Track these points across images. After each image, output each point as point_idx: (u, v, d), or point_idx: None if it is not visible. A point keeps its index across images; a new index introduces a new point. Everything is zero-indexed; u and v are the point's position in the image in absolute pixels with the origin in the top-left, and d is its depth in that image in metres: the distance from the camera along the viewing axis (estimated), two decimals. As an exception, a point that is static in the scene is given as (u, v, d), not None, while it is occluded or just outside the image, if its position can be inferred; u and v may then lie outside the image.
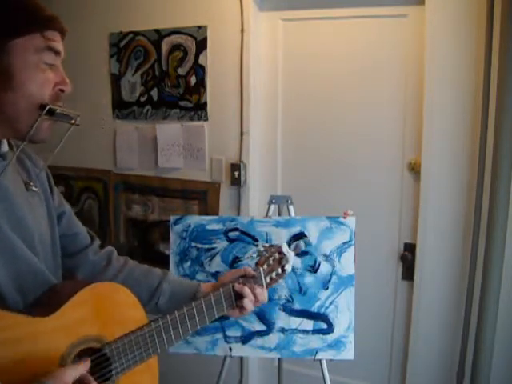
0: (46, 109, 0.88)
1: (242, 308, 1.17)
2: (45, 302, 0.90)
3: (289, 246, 1.33)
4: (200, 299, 1.11)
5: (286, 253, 1.30)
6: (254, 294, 1.18)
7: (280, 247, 1.29)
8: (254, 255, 1.29)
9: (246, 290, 1.17)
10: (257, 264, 1.25)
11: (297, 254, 1.62)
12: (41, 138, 0.91)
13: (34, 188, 0.98)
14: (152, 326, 1.00)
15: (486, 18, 1.76)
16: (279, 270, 1.28)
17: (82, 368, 0.83)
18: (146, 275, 1.21)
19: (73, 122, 0.94)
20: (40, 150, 1.05)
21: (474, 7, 1.80)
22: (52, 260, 1.02)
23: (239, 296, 1.17)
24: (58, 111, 0.90)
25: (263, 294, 1.21)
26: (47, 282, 0.95)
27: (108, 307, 0.96)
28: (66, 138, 0.94)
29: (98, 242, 1.21)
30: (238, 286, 1.17)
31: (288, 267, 1.30)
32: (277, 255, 1.29)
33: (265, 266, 1.25)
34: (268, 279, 1.26)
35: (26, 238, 0.92)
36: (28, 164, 1.02)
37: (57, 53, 0.91)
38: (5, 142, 0.94)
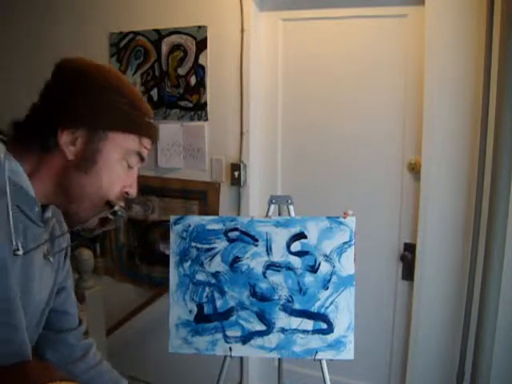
0: (113, 210, 0.91)
1: None
2: (11, 375, 0.82)
3: None
4: None
5: None
6: None
7: None
8: None
9: None
10: None
11: (297, 255, 1.62)
12: (88, 225, 0.92)
13: (50, 259, 0.96)
14: None
15: (485, 18, 1.76)
16: None
17: None
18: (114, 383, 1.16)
19: (118, 221, 0.95)
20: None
21: (474, 7, 1.80)
22: (34, 329, 0.98)
23: None
24: (120, 213, 0.92)
25: None
26: (25, 354, 0.91)
27: None
28: (104, 229, 0.96)
29: (83, 328, 1.15)
30: None
31: None
32: None
33: None
34: None
35: (26, 302, 0.89)
36: (56, 234, 1.00)
37: (142, 159, 0.94)
38: (49, 209, 0.93)
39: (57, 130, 0.84)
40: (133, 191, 0.94)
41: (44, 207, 0.91)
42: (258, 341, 1.62)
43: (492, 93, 1.77)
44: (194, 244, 1.65)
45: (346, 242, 1.60)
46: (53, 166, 0.87)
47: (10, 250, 0.81)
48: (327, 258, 1.60)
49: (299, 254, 1.62)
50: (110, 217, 0.91)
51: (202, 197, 2.39)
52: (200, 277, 1.64)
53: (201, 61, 2.29)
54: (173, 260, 1.66)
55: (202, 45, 2.28)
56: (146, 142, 0.93)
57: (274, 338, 1.61)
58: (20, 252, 0.82)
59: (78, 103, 0.85)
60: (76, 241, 1.02)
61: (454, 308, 1.97)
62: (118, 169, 0.90)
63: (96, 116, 0.86)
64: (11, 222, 0.80)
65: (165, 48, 2.37)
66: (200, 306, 1.64)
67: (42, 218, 0.90)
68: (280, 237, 1.62)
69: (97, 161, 0.87)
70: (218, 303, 1.63)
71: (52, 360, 1.08)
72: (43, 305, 0.99)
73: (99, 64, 0.91)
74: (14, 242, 0.81)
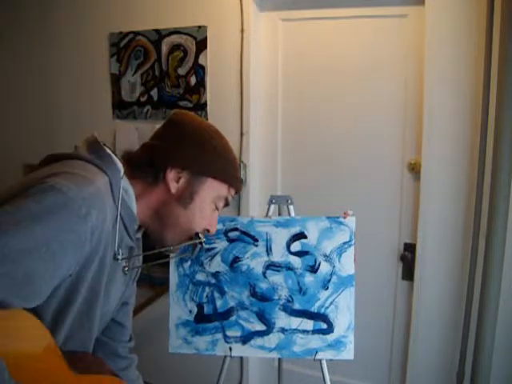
0: (200, 240, 1.08)
1: None
2: (75, 360, 0.93)
3: None
4: None
5: None
6: None
7: None
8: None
9: None
10: None
11: (297, 255, 1.62)
12: (171, 251, 1.09)
13: (126, 272, 1.07)
14: None
15: (485, 18, 1.76)
16: None
17: None
18: None
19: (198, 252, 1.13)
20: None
21: (474, 7, 1.80)
22: (99, 329, 1.08)
23: None
24: (204, 244, 1.10)
25: None
26: (88, 347, 1.02)
27: None
28: (176, 256, 1.20)
29: (132, 344, 1.28)
30: None
31: None
32: None
33: None
34: None
35: (103, 308, 1.01)
36: (135, 254, 1.11)
37: (226, 205, 1.12)
38: (141, 230, 1.08)
39: (166, 167, 1.02)
40: (213, 230, 1.11)
41: (139, 228, 1.06)
42: (258, 341, 1.62)
43: (492, 93, 1.77)
44: (193, 244, 1.65)
45: (345, 242, 1.60)
46: (156, 195, 1.04)
47: (110, 253, 0.95)
48: (327, 257, 1.60)
49: (299, 253, 1.62)
50: (199, 246, 1.10)
51: (202, 197, 2.38)
52: (200, 277, 1.64)
53: (201, 61, 2.29)
54: (173, 260, 1.65)
55: (202, 45, 2.28)
56: (233, 191, 1.11)
57: (273, 338, 1.61)
58: (119, 257, 0.97)
59: (187, 150, 1.04)
60: (152, 262, 1.15)
61: (454, 308, 1.97)
62: (208, 209, 1.08)
63: (200, 164, 1.05)
64: (117, 231, 0.95)
65: (165, 48, 2.37)
66: (200, 306, 1.64)
67: (135, 236, 1.05)
68: (280, 237, 1.62)
69: (194, 199, 1.04)
70: (218, 303, 1.63)
71: None
72: (111, 313, 1.12)
73: (209, 123, 1.19)
74: (116, 249, 0.96)
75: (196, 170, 1.04)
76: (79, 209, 0.82)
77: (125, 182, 0.99)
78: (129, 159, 1.05)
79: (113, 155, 1.00)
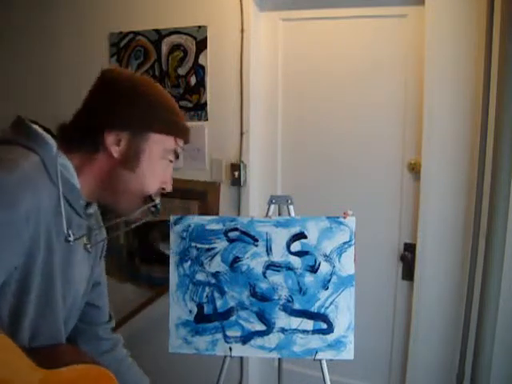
0: (154, 203, 1.02)
1: None
2: (45, 355, 0.90)
3: None
4: None
5: None
6: None
7: None
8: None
9: None
10: None
11: (297, 255, 1.62)
12: (130, 217, 1.04)
13: (89, 249, 1.04)
14: None
15: (485, 18, 1.76)
16: None
17: None
18: (137, 379, 1.23)
19: (157, 216, 1.05)
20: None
21: (474, 7, 1.80)
22: (73, 318, 1.06)
23: None
24: (158, 207, 1.03)
25: None
26: (59, 339, 0.98)
27: None
28: (139, 224, 1.09)
29: (113, 323, 1.24)
30: None
31: None
32: None
33: None
34: None
35: (65, 289, 0.97)
36: (95, 228, 1.08)
37: (177, 157, 1.06)
38: (95, 205, 1.04)
39: (103, 132, 0.95)
40: (168, 187, 1.05)
41: (87, 204, 1.01)
42: (258, 341, 1.62)
43: (492, 93, 1.77)
44: (193, 244, 1.65)
45: (345, 242, 1.60)
46: (98, 164, 0.97)
47: (58, 236, 0.90)
48: (327, 257, 1.60)
49: (299, 253, 1.62)
50: (152, 209, 1.02)
51: (201, 197, 2.38)
52: (200, 277, 1.64)
53: (201, 61, 2.29)
54: (173, 260, 1.65)
55: (202, 45, 2.28)
56: (180, 141, 1.05)
57: (273, 338, 1.61)
58: (71, 238, 0.92)
59: (122, 109, 0.96)
60: (117, 231, 1.11)
61: (454, 308, 1.97)
62: (158, 166, 1.01)
63: (138, 120, 0.97)
64: (63, 212, 0.89)
65: (165, 48, 2.37)
66: (200, 306, 1.64)
67: (85, 213, 1.00)
68: (280, 237, 1.62)
69: (140, 159, 0.98)
70: (218, 303, 1.63)
71: (83, 349, 1.14)
72: (81, 295, 1.07)
73: (139, 75, 1.07)
74: (66, 231, 0.90)
75: (135, 127, 0.97)
76: (7, 197, 0.77)
77: (61, 158, 0.93)
78: (62, 133, 0.97)
79: (43, 133, 0.93)
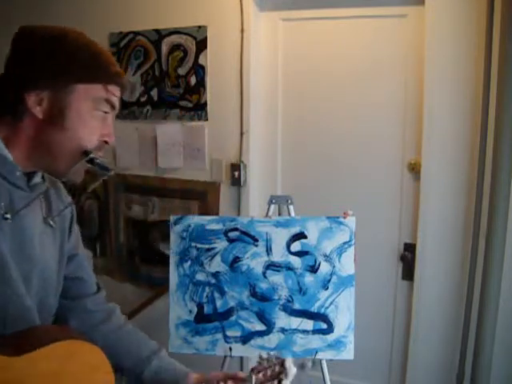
0: (89, 157, 0.92)
1: None
2: (18, 341, 0.86)
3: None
4: None
5: (287, 368, 1.18)
6: None
7: (283, 360, 1.19)
8: (256, 360, 1.21)
9: None
10: (252, 370, 1.15)
11: (297, 255, 1.62)
12: (75, 179, 0.96)
13: (51, 223, 0.99)
14: None
15: (485, 18, 1.76)
16: (274, 383, 1.18)
17: None
18: (141, 343, 1.17)
19: (107, 173, 0.97)
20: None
21: (474, 7, 1.80)
22: (53, 298, 1.02)
23: None
24: (98, 161, 0.94)
25: None
26: (31, 321, 0.93)
27: (76, 368, 0.90)
28: (95, 185, 1.01)
29: (103, 293, 1.18)
30: None
31: (285, 382, 1.18)
32: (277, 368, 1.19)
33: (260, 375, 1.15)
34: None
35: (25, 270, 0.92)
36: (54, 199, 1.03)
37: (112, 106, 0.95)
38: (39, 174, 0.96)
39: (23, 95, 0.87)
40: (110, 140, 0.96)
41: (31, 174, 0.94)
42: (258, 341, 1.62)
43: (492, 93, 1.77)
44: (193, 244, 1.65)
45: (345, 242, 1.60)
46: (27, 130, 0.90)
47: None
48: (327, 257, 1.60)
49: (299, 253, 1.62)
50: (88, 165, 0.93)
51: (201, 197, 2.38)
52: (200, 277, 1.64)
53: (201, 61, 2.29)
54: (173, 260, 1.66)
55: (202, 45, 2.28)
56: (112, 88, 0.94)
57: (273, 338, 1.61)
58: (8, 215, 0.86)
59: (38, 65, 0.88)
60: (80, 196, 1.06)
61: (454, 308, 1.97)
62: (91, 119, 0.92)
63: (57, 74, 0.88)
64: None
65: (165, 48, 2.37)
66: (200, 306, 1.64)
67: (28, 184, 0.93)
68: (280, 237, 1.62)
69: (67, 115, 0.89)
70: (218, 303, 1.63)
71: (74, 326, 1.10)
72: (55, 273, 1.01)
73: (55, 26, 0.94)
74: (3, 208, 0.85)
75: (56, 82, 0.88)
76: None
77: None
78: None
79: None
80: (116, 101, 0.96)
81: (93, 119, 0.92)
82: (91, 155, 0.92)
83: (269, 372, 1.18)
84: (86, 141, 0.92)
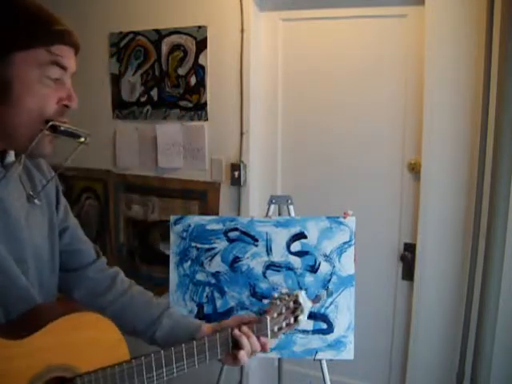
0: (48, 125, 0.86)
1: (236, 358, 1.08)
2: (25, 322, 0.88)
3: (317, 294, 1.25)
4: (192, 342, 1.02)
5: (302, 302, 1.18)
6: (253, 344, 1.09)
7: (297, 296, 1.18)
8: (266, 301, 1.17)
9: (244, 341, 1.07)
10: (265, 311, 1.15)
11: (297, 255, 1.62)
12: (41, 153, 0.90)
13: (36, 201, 0.96)
14: (133, 363, 0.92)
15: (485, 18, 1.76)
16: (291, 320, 1.17)
17: None
18: (148, 305, 1.16)
19: (82, 140, 0.93)
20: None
21: (474, 7, 1.80)
22: (49, 275, 1.01)
23: (236, 344, 1.07)
24: (61, 128, 0.88)
25: (265, 344, 1.12)
26: (31, 300, 0.93)
27: (87, 339, 0.92)
28: (73, 156, 0.94)
29: (104, 259, 1.17)
30: (236, 334, 1.07)
31: (302, 318, 1.18)
32: (291, 304, 1.17)
33: (274, 315, 1.14)
34: (276, 328, 1.15)
35: (16, 250, 0.90)
36: (35, 175, 1.00)
37: (63, 68, 0.88)
38: (12, 153, 0.92)
39: None
40: (71, 103, 0.89)
41: (2, 153, 0.90)
42: (258, 341, 1.62)
43: (492, 93, 1.77)
44: (193, 244, 1.65)
45: (346, 242, 1.60)
46: None
47: None
48: (327, 257, 1.61)
49: (299, 253, 1.62)
50: (50, 133, 0.87)
51: (201, 197, 2.39)
52: (200, 277, 1.64)
53: (201, 61, 2.29)
54: (173, 260, 1.66)
55: (202, 45, 2.28)
56: (57, 48, 0.86)
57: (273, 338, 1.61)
58: None
59: None
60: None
61: (454, 308, 1.97)
62: (40, 87, 0.85)
63: None
64: None
65: (165, 48, 2.37)
66: (200, 306, 1.64)
67: (3, 164, 0.90)
68: (280, 237, 1.62)
69: (13, 88, 0.83)
70: (218, 303, 1.63)
71: (79, 298, 1.10)
72: (47, 250, 1.00)
73: None
74: None
75: None
76: None
77: None
78: None
79: None
80: (65, 61, 0.87)
81: (42, 86, 0.85)
82: (51, 123, 0.86)
83: (284, 309, 1.16)
84: (39, 110, 0.85)
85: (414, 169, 2.04)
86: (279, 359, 1.86)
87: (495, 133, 1.74)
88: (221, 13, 2.23)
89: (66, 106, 0.89)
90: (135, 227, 2.58)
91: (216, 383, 1.77)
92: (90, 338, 0.92)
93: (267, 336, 1.13)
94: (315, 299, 1.29)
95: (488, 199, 1.80)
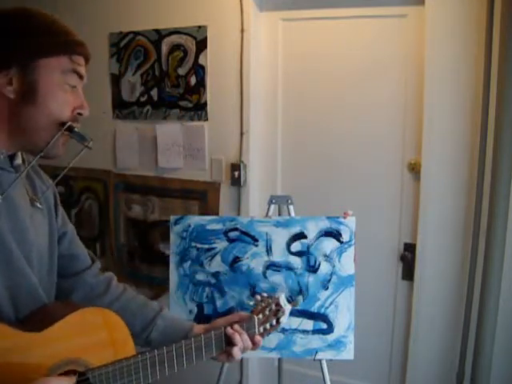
0: (67, 125, 0.93)
1: (230, 354, 1.16)
2: (36, 320, 0.91)
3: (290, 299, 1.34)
4: (191, 339, 1.10)
5: (283, 305, 1.29)
6: (245, 341, 1.17)
7: (277, 299, 1.29)
8: (251, 303, 1.27)
9: (237, 338, 1.14)
10: (252, 312, 1.23)
11: (297, 255, 1.62)
12: (55, 153, 0.96)
13: (38, 205, 1.00)
14: (139, 358, 0.99)
15: (485, 18, 1.76)
16: (273, 322, 1.27)
17: (66, 382, 0.83)
18: (142, 307, 1.21)
19: (86, 144, 0.98)
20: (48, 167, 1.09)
21: (474, 7, 1.80)
22: (47, 278, 1.04)
23: (230, 342, 1.15)
24: (76, 130, 0.95)
25: (259, 341, 1.20)
26: (40, 299, 0.97)
27: (98, 334, 0.97)
28: (76, 159, 0.99)
29: (98, 264, 1.21)
30: (229, 331, 1.15)
31: (283, 319, 1.29)
32: (273, 306, 1.28)
33: (260, 316, 1.23)
34: (261, 329, 1.23)
35: (25, 250, 0.94)
36: (36, 181, 1.05)
37: (80, 76, 0.97)
38: (19, 155, 0.97)
39: None
40: (84, 111, 0.97)
41: (12, 156, 0.96)
42: (258, 341, 1.62)
43: (492, 93, 1.77)
44: (194, 244, 1.65)
45: (346, 242, 1.60)
46: (2, 112, 0.91)
47: None
48: (327, 257, 1.61)
49: (299, 253, 1.62)
50: (67, 133, 0.94)
51: (201, 197, 2.39)
52: (200, 277, 1.64)
53: (201, 61, 2.29)
54: (173, 260, 1.66)
55: (202, 45, 2.28)
56: (77, 58, 0.95)
57: (273, 338, 1.61)
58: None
59: (1, 46, 0.89)
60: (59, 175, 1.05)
61: (454, 308, 1.97)
62: (61, 92, 0.93)
63: (21, 52, 0.90)
64: None
65: (165, 48, 2.37)
66: (200, 306, 1.64)
67: (12, 165, 0.95)
68: (280, 237, 1.62)
69: (38, 90, 0.90)
70: (218, 303, 1.63)
71: (76, 302, 1.13)
72: (46, 252, 1.03)
73: (8, 8, 0.95)
74: None
75: (21, 60, 0.90)
76: None
77: None
78: None
79: None
80: (82, 70, 0.97)
81: (63, 92, 0.94)
82: (69, 123, 0.94)
83: (267, 311, 1.26)
84: (59, 113, 0.93)
85: (414, 169, 2.04)
86: (279, 359, 1.86)
87: (495, 133, 1.74)
88: (221, 13, 2.23)
89: (80, 114, 0.97)
90: (135, 227, 2.58)
91: (216, 383, 1.77)
92: (100, 334, 0.97)
93: (256, 334, 1.21)
94: (293, 302, 1.42)
95: (488, 199, 1.80)
